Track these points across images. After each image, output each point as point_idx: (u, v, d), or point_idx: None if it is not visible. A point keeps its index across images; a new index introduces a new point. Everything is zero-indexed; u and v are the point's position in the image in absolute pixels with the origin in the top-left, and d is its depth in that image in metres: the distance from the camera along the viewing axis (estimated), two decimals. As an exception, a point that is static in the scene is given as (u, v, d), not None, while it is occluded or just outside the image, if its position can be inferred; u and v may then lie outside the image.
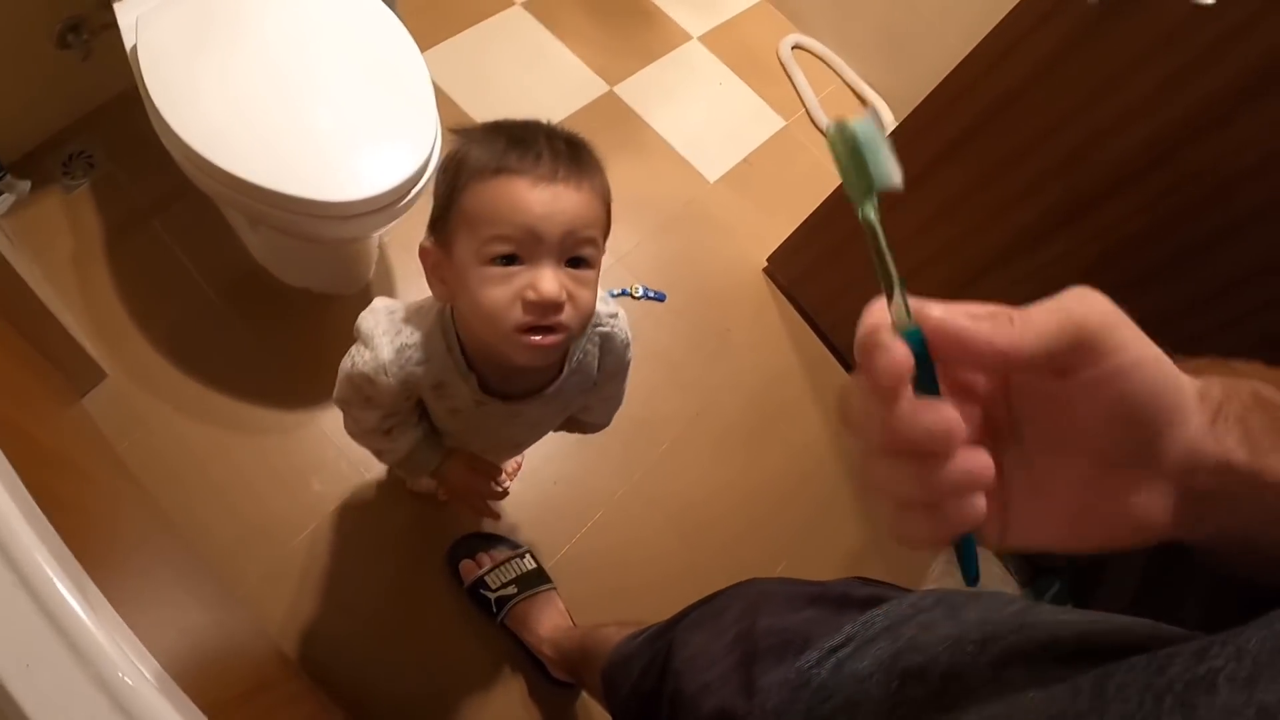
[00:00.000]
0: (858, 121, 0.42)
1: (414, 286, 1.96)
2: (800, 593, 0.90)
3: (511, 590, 1.70)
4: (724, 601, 1.00)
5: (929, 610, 0.69)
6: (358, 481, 1.76)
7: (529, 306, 0.90)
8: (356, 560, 1.71)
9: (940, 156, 1.71)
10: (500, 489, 1.27)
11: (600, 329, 1.14)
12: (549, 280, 0.90)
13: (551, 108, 2.35)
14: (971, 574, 0.47)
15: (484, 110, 2.25)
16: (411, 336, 1.06)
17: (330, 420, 1.78)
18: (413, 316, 1.08)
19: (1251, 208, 1.35)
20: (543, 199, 0.89)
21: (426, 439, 1.21)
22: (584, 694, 1.74)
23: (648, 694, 1.00)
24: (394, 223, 1.51)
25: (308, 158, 1.39)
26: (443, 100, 2.20)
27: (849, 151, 0.42)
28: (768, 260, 2.33)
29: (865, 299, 1.34)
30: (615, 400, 1.34)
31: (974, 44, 1.60)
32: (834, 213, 2.05)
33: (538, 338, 0.92)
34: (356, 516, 1.74)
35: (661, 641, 1.04)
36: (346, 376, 1.10)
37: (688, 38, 2.73)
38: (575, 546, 1.86)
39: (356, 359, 1.07)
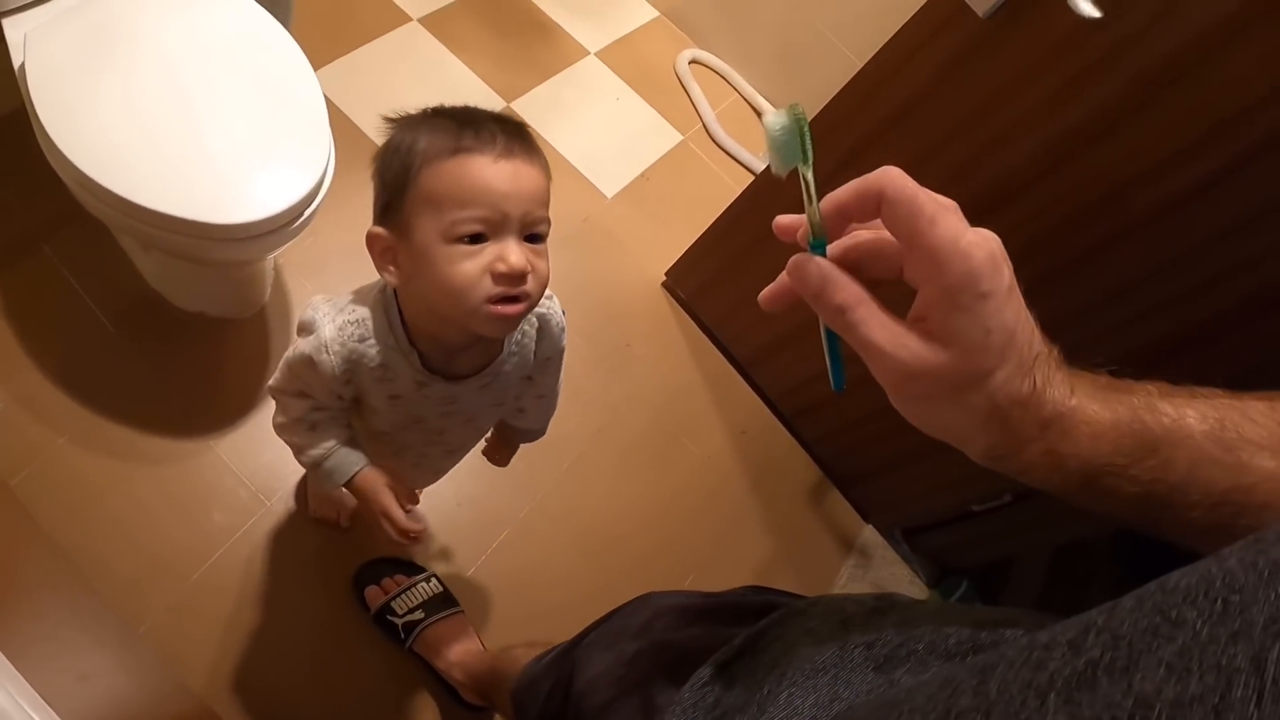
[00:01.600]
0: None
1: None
2: (694, 606, 0.91)
3: (419, 615, 1.70)
4: (621, 619, 1.01)
5: (820, 619, 0.70)
6: (259, 510, 1.73)
7: (499, 278, 0.94)
8: (260, 590, 1.69)
9: (839, 166, 1.73)
10: (415, 526, 1.21)
11: (537, 311, 1.18)
12: (516, 252, 0.94)
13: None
14: (838, 379, 0.61)
15: (374, 127, 2.22)
16: (353, 314, 1.07)
17: (229, 448, 1.76)
18: (354, 298, 1.10)
19: (1145, 212, 1.41)
20: (504, 176, 0.93)
21: (350, 442, 1.20)
22: (496, 717, 1.74)
23: (555, 716, 1.00)
24: (287, 244, 1.50)
25: (199, 180, 1.37)
26: (338, 118, 2.18)
27: (798, 126, 0.53)
28: (666, 274, 2.36)
29: (761, 312, 1.38)
30: (551, 400, 1.36)
31: (869, 57, 1.65)
32: (732, 226, 2.09)
33: (505, 307, 0.96)
34: (259, 546, 1.71)
35: (565, 662, 1.04)
36: (286, 363, 1.13)
37: (585, 53, 2.74)
38: (481, 568, 1.86)
39: (299, 344, 1.09)
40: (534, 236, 0.98)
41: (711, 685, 0.69)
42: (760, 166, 2.60)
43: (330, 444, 1.18)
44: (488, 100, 2.45)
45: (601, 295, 2.31)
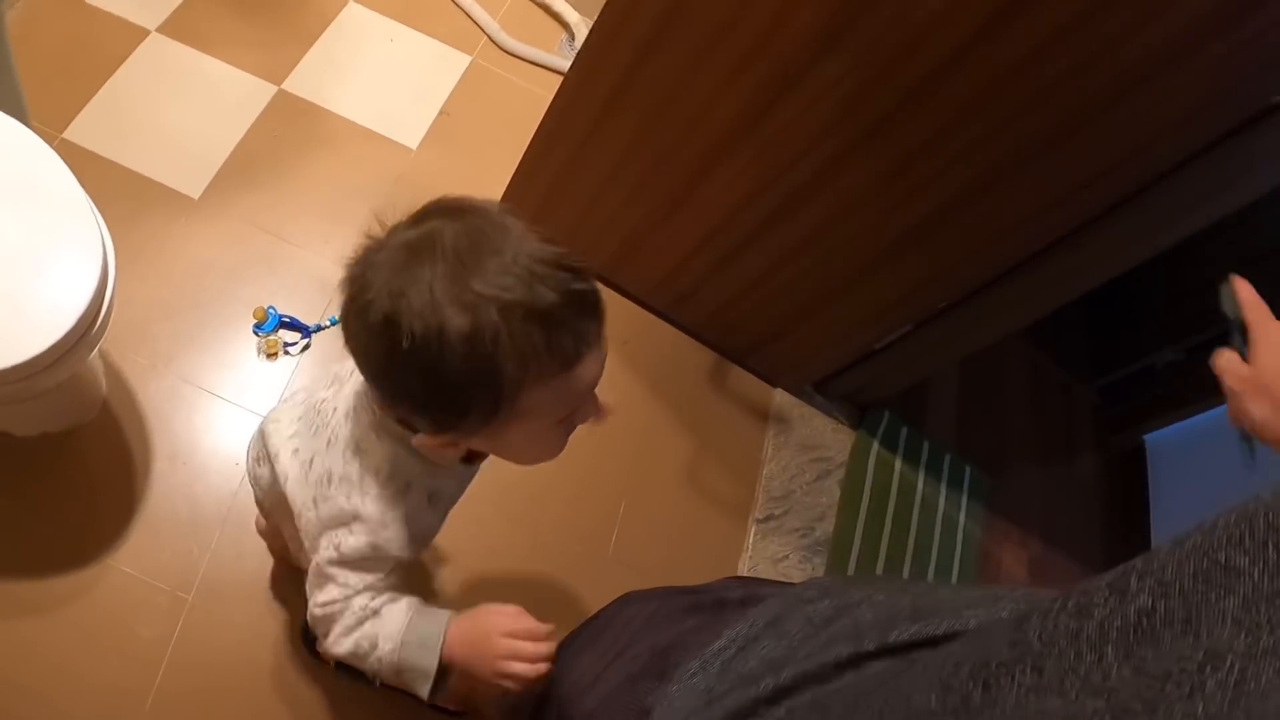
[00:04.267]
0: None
1: (149, 381, 1.85)
2: (677, 604, 0.91)
3: (375, 645, 1.66)
4: (602, 623, 1.01)
5: (814, 603, 0.70)
6: (183, 607, 1.67)
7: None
8: (220, 685, 1.65)
9: (638, 58, 1.68)
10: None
11: None
12: (597, 408, 0.97)
13: (224, 133, 2.20)
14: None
15: (154, 163, 2.09)
16: (390, 484, 0.98)
17: (128, 557, 1.68)
18: (368, 478, 0.99)
19: (950, 50, 1.41)
20: (599, 362, 0.91)
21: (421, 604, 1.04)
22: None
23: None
24: (102, 340, 1.42)
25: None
26: (105, 167, 2.04)
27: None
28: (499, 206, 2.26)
29: (608, 214, 1.33)
30: None
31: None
32: (553, 135, 1.98)
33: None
34: (198, 642, 1.66)
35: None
36: (327, 575, 1.01)
37: (344, 3, 2.55)
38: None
39: (343, 542, 0.98)
40: None
41: (702, 674, 0.70)
42: (564, 64, 2.49)
43: (405, 611, 1.02)
44: (257, 91, 2.28)
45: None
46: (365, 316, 0.84)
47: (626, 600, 1.02)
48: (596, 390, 0.95)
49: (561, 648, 1.10)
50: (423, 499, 1.02)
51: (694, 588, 0.93)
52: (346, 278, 0.88)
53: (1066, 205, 1.60)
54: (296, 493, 1.05)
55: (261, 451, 1.17)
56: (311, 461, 1.04)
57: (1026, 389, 2.74)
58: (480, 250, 0.82)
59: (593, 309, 0.89)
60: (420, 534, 1.05)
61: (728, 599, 0.85)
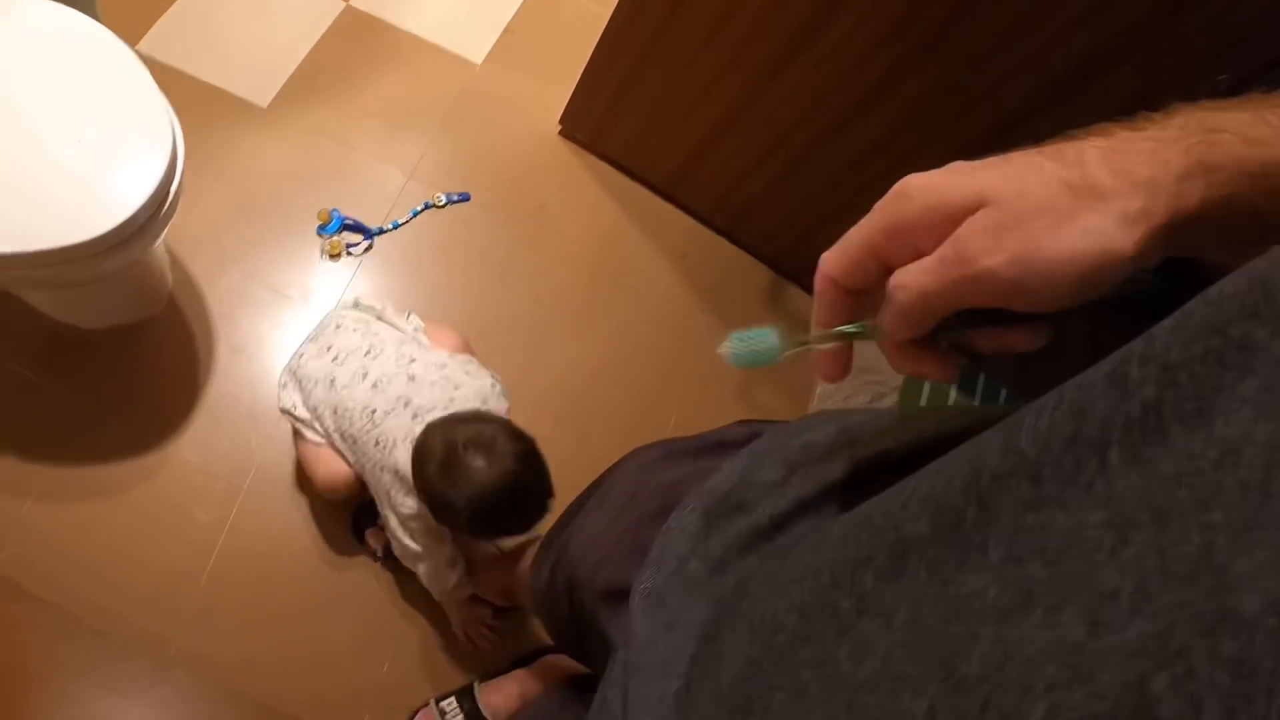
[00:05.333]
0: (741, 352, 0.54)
1: (215, 278, 1.90)
2: (680, 449, 0.90)
3: (424, 539, 1.72)
4: (609, 481, 1.00)
5: (816, 429, 0.68)
6: (238, 496, 1.73)
7: None
8: (269, 571, 1.70)
9: None
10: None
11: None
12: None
13: (293, 46, 2.22)
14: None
15: (224, 74, 2.13)
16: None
17: (188, 446, 1.75)
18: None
19: None
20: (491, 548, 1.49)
21: None
22: (530, 617, 1.78)
23: (556, 589, 1.01)
24: (167, 229, 1.45)
25: (51, 205, 1.31)
26: (180, 80, 2.08)
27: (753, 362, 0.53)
28: (560, 123, 2.28)
29: (669, 126, 1.34)
30: None
31: None
32: (613, 51, 1.98)
33: None
34: (251, 530, 1.72)
35: (562, 535, 1.05)
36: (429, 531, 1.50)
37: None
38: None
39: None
40: None
41: (697, 511, 0.67)
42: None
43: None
44: (325, 6, 2.30)
45: (500, 164, 2.24)
46: (421, 443, 1.36)
47: (630, 455, 1.01)
48: None
49: (569, 515, 1.11)
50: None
51: (697, 435, 0.92)
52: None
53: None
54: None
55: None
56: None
57: (1089, 332, 2.67)
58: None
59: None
60: None
61: (729, 439, 0.83)
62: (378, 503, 1.51)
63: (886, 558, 0.43)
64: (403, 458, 1.38)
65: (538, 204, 2.20)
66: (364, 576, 1.74)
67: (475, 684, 1.65)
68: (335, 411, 1.45)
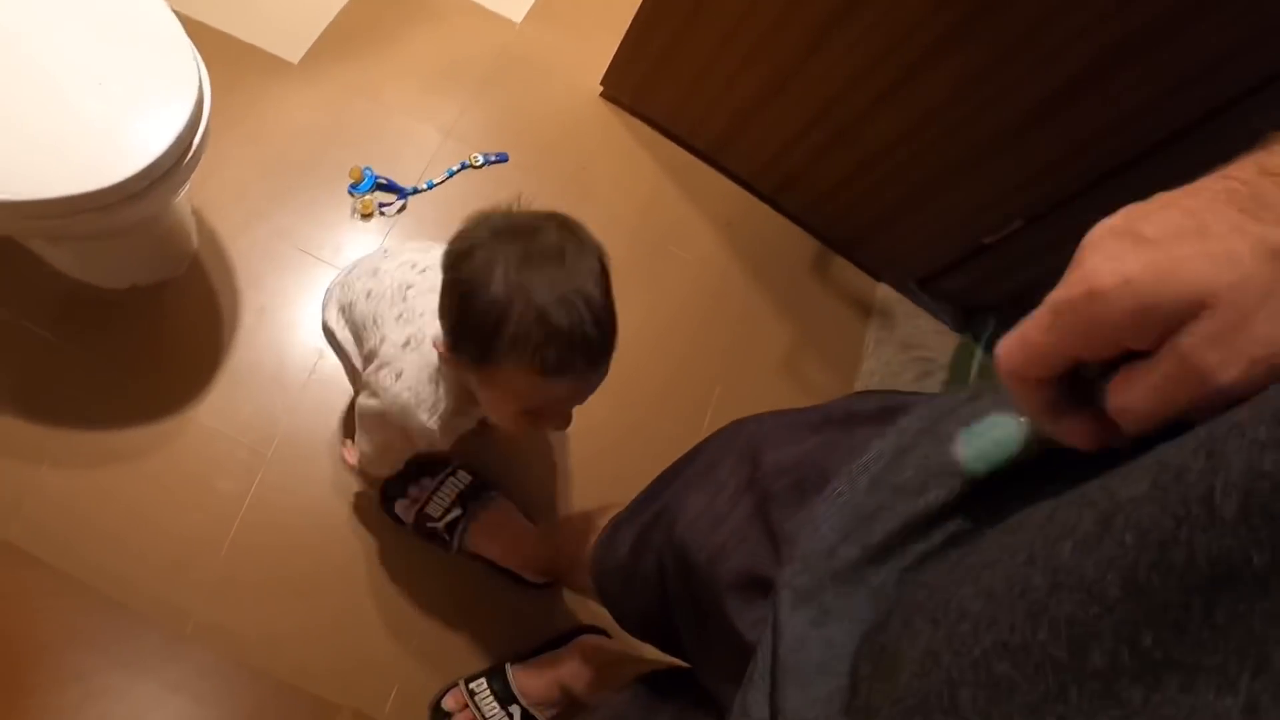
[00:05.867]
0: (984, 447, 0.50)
1: (241, 237, 1.83)
2: (798, 422, 0.82)
3: (457, 512, 1.64)
4: (713, 454, 0.93)
5: (975, 400, 0.60)
6: (262, 463, 1.66)
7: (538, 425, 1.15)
8: (294, 542, 1.64)
9: None
10: None
11: None
12: (568, 422, 1.16)
13: (326, 3, 2.15)
14: None
15: (254, 29, 2.05)
16: (435, 417, 1.21)
17: (210, 411, 1.68)
18: (434, 387, 1.21)
19: None
20: (575, 391, 1.09)
21: None
22: (565, 590, 1.71)
23: (641, 571, 0.96)
24: (188, 181, 1.41)
25: (72, 151, 1.25)
26: (204, 31, 2.01)
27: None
28: (603, 83, 2.20)
29: (715, 88, 1.26)
30: None
31: None
32: (658, 11, 1.91)
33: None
34: (275, 499, 1.65)
35: (647, 513, 1.00)
36: (382, 423, 1.31)
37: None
38: (510, 443, 1.81)
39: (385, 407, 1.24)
40: None
41: (849, 490, 0.60)
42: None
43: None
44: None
45: (542, 125, 2.16)
46: (454, 246, 1.04)
47: (739, 426, 0.93)
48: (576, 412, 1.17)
49: (658, 488, 1.04)
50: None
51: (814, 407, 0.83)
52: (469, 220, 1.05)
53: (1202, 84, 1.45)
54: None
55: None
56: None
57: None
58: (553, 259, 0.99)
59: (590, 351, 1.02)
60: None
61: (859, 411, 0.76)
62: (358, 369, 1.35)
63: (1093, 523, 0.36)
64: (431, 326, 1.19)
65: (578, 166, 2.13)
66: (392, 550, 1.67)
67: (507, 665, 1.58)
68: (368, 295, 1.30)
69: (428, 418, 1.19)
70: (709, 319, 2.06)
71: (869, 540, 0.55)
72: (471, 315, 1.00)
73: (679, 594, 0.85)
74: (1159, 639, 0.32)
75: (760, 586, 0.68)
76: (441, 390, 1.19)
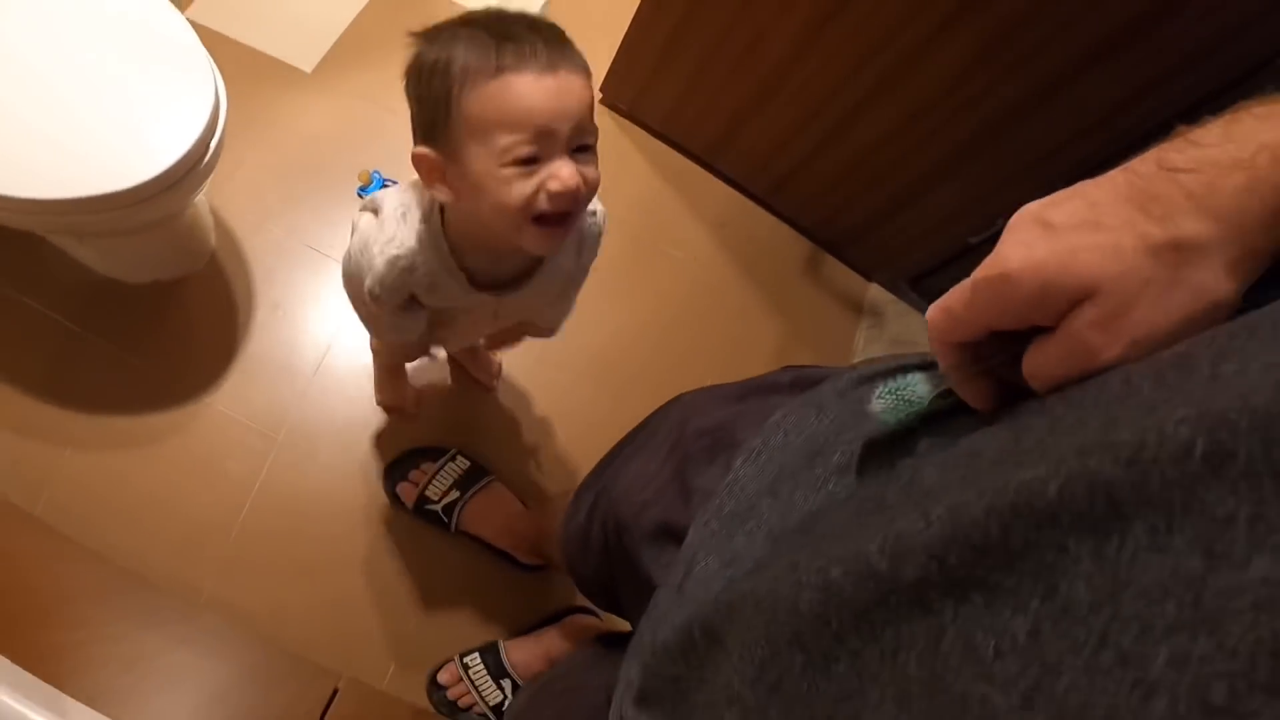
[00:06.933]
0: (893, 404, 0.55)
1: (256, 236, 1.93)
2: (724, 394, 0.90)
3: (454, 495, 1.73)
4: (654, 424, 1.01)
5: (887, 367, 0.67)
6: (272, 448, 1.75)
7: (553, 198, 0.94)
8: (300, 523, 1.72)
9: None
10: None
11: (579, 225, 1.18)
12: (569, 170, 0.93)
13: (338, 12, 2.25)
14: None
15: (269, 40, 2.15)
16: (399, 246, 1.09)
17: (224, 399, 1.77)
18: (400, 220, 1.11)
19: None
20: (549, 94, 0.91)
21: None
22: (556, 572, 1.78)
23: (592, 534, 1.01)
24: (206, 183, 1.49)
25: (94, 154, 1.34)
26: (220, 41, 2.11)
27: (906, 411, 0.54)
28: (601, 90, 2.28)
29: (707, 96, 1.31)
30: (570, 305, 1.39)
31: None
32: (652, 17, 1.99)
33: (555, 228, 0.98)
34: (283, 481, 1.74)
35: (600, 480, 1.07)
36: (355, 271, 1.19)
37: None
38: (505, 433, 1.89)
39: (357, 258, 1.17)
40: (583, 148, 0.97)
41: (764, 456, 0.67)
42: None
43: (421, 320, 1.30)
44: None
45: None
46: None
47: (675, 400, 1.02)
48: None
49: (607, 460, 1.11)
50: (425, 287, 1.15)
51: (745, 380, 0.91)
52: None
53: (1174, 83, 1.52)
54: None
55: None
56: None
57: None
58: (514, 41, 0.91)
59: (542, 30, 0.93)
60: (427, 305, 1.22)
61: (776, 383, 0.84)
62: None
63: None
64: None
65: (577, 170, 2.19)
66: (394, 531, 1.75)
67: (500, 641, 1.66)
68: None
69: (378, 252, 1.09)
70: (702, 316, 2.13)
71: (779, 488, 0.63)
72: (424, 77, 0.95)
73: (615, 551, 0.92)
74: (962, 558, 0.37)
75: (672, 535, 0.76)
76: (405, 228, 1.10)
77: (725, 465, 0.71)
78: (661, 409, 1.02)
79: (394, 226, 1.10)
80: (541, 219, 0.96)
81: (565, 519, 1.16)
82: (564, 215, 0.97)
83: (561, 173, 0.93)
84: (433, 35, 0.95)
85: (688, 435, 0.84)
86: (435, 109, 0.95)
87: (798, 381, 0.80)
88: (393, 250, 1.09)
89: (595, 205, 1.19)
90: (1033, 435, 0.41)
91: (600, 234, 1.23)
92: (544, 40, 0.91)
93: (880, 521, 0.44)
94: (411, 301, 1.21)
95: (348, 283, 1.28)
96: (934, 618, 0.38)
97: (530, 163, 0.93)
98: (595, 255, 1.27)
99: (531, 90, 0.90)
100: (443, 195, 1.02)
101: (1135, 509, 0.32)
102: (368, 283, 1.13)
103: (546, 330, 1.43)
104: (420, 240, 1.09)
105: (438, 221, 1.09)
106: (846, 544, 0.45)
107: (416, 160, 1.01)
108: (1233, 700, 0.26)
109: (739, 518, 0.64)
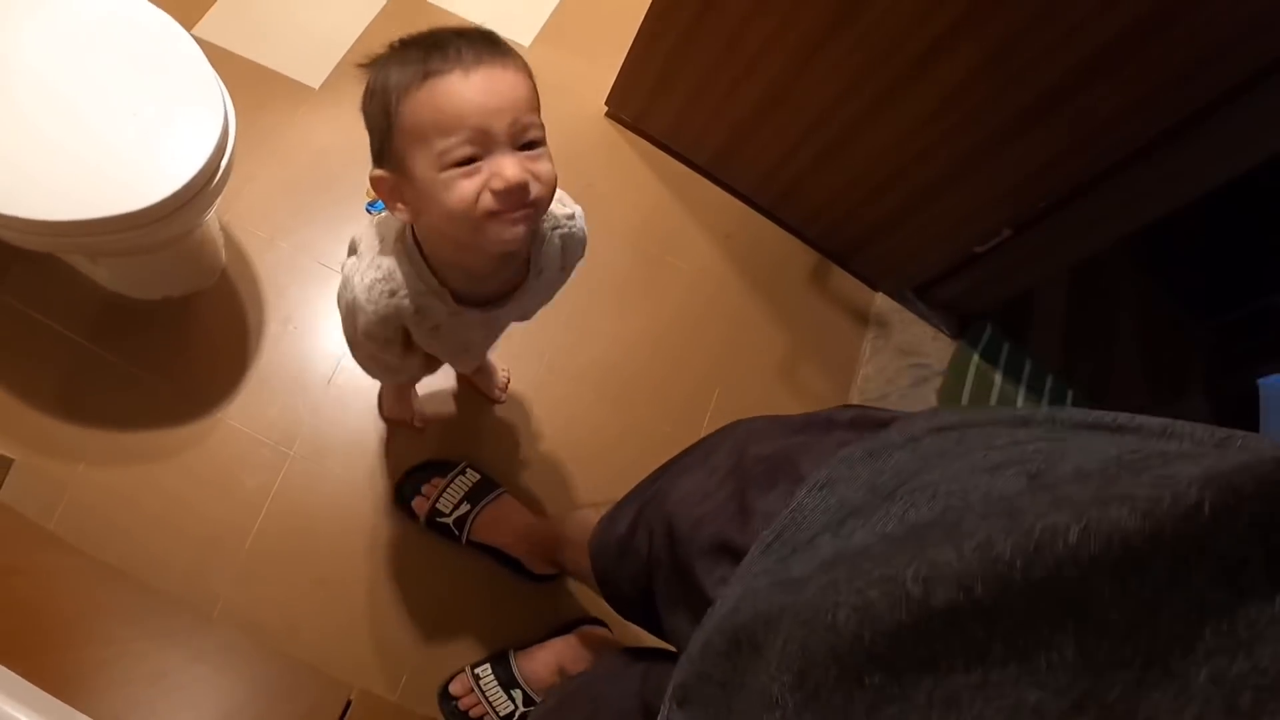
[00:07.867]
0: None
1: (267, 252, 1.95)
2: (785, 423, 0.93)
3: (465, 508, 1.75)
4: (711, 444, 1.03)
5: (957, 430, 0.69)
6: (285, 461, 1.78)
7: (498, 197, 0.92)
8: (313, 536, 1.74)
9: None
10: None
11: (560, 231, 1.19)
12: (511, 166, 0.92)
13: (344, 29, 2.27)
14: None
15: (277, 57, 2.18)
16: (379, 270, 1.10)
17: (238, 413, 1.79)
18: (379, 247, 1.12)
19: None
20: (478, 89, 0.90)
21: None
22: (568, 580, 1.80)
23: (634, 545, 1.03)
24: (217, 201, 1.51)
25: (108, 175, 1.36)
26: (235, 62, 2.14)
27: None
28: (607, 103, 2.30)
29: (712, 108, 1.38)
30: (549, 300, 1.38)
31: None
32: (657, 30, 2.01)
33: (511, 213, 0.94)
34: (297, 495, 1.76)
35: (649, 492, 1.08)
36: (347, 312, 1.20)
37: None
38: (514, 445, 1.91)
39: (345, 295, 1.17)
40: (528, 144, 0.95)
41: (829, 490, 0.69)
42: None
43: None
44: (377, -14, 2.36)
45: (549, 144, 2.23)
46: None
47: (734, 425, 1.04)
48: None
49: (659, 472, 1.13)
50: (412, 314, 1.15)
51: (804, 414, 0.94)
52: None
53: (1170, 96, 1.54)
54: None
55: None
56: None
57: (1138, 320, 2.64)
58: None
59: (467, 35, 0.93)
60: (419, 337, 1.23)
61: (837, 419, 0.86)
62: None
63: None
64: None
65: (585, 183, 2.23)
66: (406, 544, 1.77)
67: (511, 651, 1.68)
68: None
69: (358, 280, 1.11)
70: (709, 328, 2.15)
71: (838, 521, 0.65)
72: (366, 101, 0.98)
73: (661, 559, 0.94)
74: (989, 589, 0.43)
75: (728, 552, 0.78)
76: (381, 254, 1.11)
77: (787, 492, 0.74)
78: (720, 431, 1.04)
79: (371, 255, 1.12)
80: (495, 213, 0.94)
81: (600, 529, 1.18)
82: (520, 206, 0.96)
83: (503, 169, 0.92)
84: (375, 62, 0.97)
85: (748, 458, 0.87)
86: (380, 128, 0.97)
87: (858, 421, 0.83)
88: (372, 274, 1.10)
89: (573, 209, 1.20)
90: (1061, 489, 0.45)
91: (583, 238, 1.23)
92: (468, 41, 0.92)
93: (916, 549, 0.47)
94: (406, 339, 1.25)
95: (343, 323, 1.27)
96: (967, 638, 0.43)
97: (471, 162, 0.92)
98: (581, 257, 1.27)
99: (458, 89, 0.90)
100: (403, 215, 1.03)
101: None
102: (360, 321, 1.15)
103: (523, 318, 1.42)
104: (398, 259, 1.10)
105: (411, 240, 1.10)
106: (884, 568, 0.48)
107: (374, 184, 1.01)
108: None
109: (798, 544, 0.66)
